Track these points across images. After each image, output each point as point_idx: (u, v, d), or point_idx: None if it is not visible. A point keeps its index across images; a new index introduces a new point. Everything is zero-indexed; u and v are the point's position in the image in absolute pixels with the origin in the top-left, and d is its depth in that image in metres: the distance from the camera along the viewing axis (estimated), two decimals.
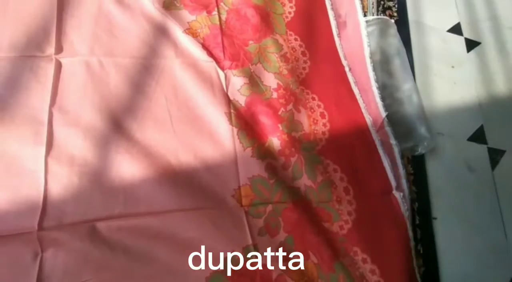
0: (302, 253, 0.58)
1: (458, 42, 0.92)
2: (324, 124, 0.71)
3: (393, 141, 0.72)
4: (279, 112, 0.68)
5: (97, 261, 0.51)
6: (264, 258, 0.56)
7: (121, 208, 0.54)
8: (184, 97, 0.65)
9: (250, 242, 0.57)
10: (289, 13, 0.81)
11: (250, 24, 0.75)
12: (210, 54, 0.69)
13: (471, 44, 0.92)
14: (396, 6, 0.91)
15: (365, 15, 0.84)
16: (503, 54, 0.93)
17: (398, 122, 0.75)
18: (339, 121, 0.71)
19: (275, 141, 0.66)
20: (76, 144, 0.56)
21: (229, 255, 0.55)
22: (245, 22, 0.75)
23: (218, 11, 0.74)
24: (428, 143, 0.75)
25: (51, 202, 0.52)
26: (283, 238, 0.59)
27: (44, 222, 0.51)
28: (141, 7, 0.69)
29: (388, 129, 0.72)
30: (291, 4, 0.82)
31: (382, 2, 0.90)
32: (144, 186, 0.56)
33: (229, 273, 0.54)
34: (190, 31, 0.70)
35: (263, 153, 0.64)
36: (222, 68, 0.69)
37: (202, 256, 0.54)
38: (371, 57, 0.78)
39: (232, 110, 0.66)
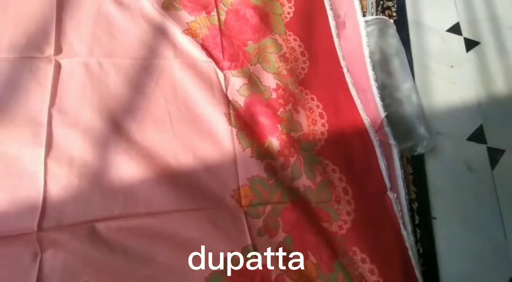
0: (301, 253, 0.58)
1: (457, 42, 0.92)
2: (323, 125, 0.71)
3: (392, 141, 0.72)
4: (278, 113, 0.68)
5: (96, 262, 0.51)
6: (263, 258, 0.56)
7: (120, 209, 0.54)
8: (183, 98, 0.65)
9: (249, 242, 0.57)
10: (288, 13, 0.81)
11: (249, 25, 0.75)
12: (209, 54, 0.69)
13: (470, 44, 0.93)
14: (395, 6, 0.91)
15: (364, 15, 0.84)
16: (503, 54, 0.93)
17: (398, 122, 0.76)
18: (337, 122, 0.72)
19: (274, 141, 0.66)
20: (76, 145, 0.56)
21: (229, 255, 0.55)
22: (244, 22, 0.75)
23: (217, 12, 0.74)
24: (427, 142, 0.75)
25: (51, 202, 0.52)
26: (282, 238, 0.59)
27: (44, 223, 0.51)
28: (140, 8, 0.69)
29: (387, 129, 0.73)
30: (290, 5, 0.82)
31: (381, 2, 0.90)
32: (144, 187, 0.56)
33: (228, 273, 0.54)
34: (189, 32, 0.70)
35: (262, 153, 0.64)
36: (221, 69, 0.69)
37: (202, 256, 0.54)
38: (370, 57, 0.79)
39: (231, 111, 0.66)
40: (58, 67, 0.60)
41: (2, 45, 0.58)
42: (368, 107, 0.75)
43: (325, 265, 0.58)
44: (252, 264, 0.55)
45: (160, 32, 0.69)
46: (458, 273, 0.68)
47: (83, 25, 0.64)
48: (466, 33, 0.94)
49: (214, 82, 0.68)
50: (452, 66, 0.89)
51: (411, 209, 0.70)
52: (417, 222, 0.70)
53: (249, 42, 0.73)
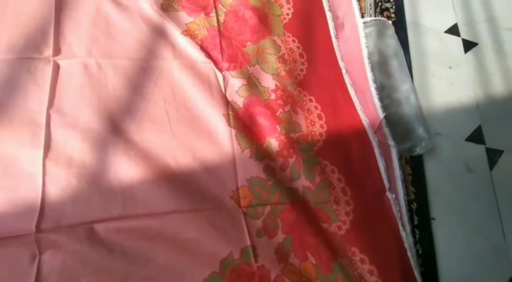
0: (300, 254, 0.58)
1: (456, 43, 0.92)
2: (321, 126, 0.71)
3: (391, 142, 0.72)
4: (277, 113, 0.69)
5: (95, 263, 0.50)
6: (262, 259, 0.56)
7: (119, 210, 0.54)
8: (182, 99, 0.65)
9: (248, 243, 0.57)
10: (287, 14, 0.81)
11: (248, 26, 0.75)
12: (208, 55, 0.69)
13: (468, 45, 0.93)
14: (394, 7, 0.91)
15: (362, 17, 0.85)
16: (501, 55, 0.93)
17: (396, 123, 0.76)
18: (336, 123, 0.72)
19: (273, 142, 0.66)
20: (74, 146, 0.56)
21: (228, 256, 0.55)
22: (243, 23, 0.75)
23: (216, 13, 0.74)
24: (426, 143, 0.75)
25: (49, 204, 0.52)
26: (281, 239, 0.59)
27: (42, 224, 0.51)
28: (139, 9, 0.69)
29: (386, 130, 0.73)
30: (289, 6, 0.82)
31: (379, 4, 0.90)
32: (143, 188, 0.56)
33: (227, 274, 0.54)
34: (188, 33, 0.70)
35: (261, 154, 0.64)
36: (220, 70, 0.69)
37: (201, 257, 0.54)
38: (369, 58, 0.79)
39: (230, 112, 0.66)
40: (56, 68, 0.60)
41: (1, 46, 0.58)
42: (367, 108, 0.75)
43: (324, 265, 0.58)
44: (251, 265, 0.55)
45: (159, 33, 0.69)
46: (457, 274, 0.68)
47: (81, 26, 0.64)
48: (464, 34, 0.94)
49: (213, 83, 0.68)
50: (450, 67, 0.89)
51: (410, 210, 0.70)
52: (416, 222, 0.70)
53: (248, 43, 0.74)
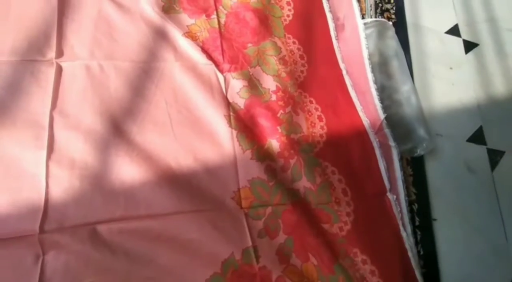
0: (302, 255, 0.59)
1: (456, 43, 0.93)
2: (322, 127, 0.71)
3: (391, 143, 0.73)
4: (278, 115, 0.69)
5: (98, 264, 0.51)
6: (264, 260, 0.57)
7: (121, 211, 0.55)
8: (183, 100, 0.65)
9: (250, 244, 0.57)
10: (288, 16, 0.81)
11: (249, 27, 0.75)
12: (210, 57, 0.70)
13: (469, 46, 0.93)
14: (394, 8, 0.91)
15: (363, 18, 0.85)
16: (501, 56, 0.93)
17: (397, 124, 0.76)
18: (336, 124, 0.72)
19: (274, 143, 0.66)
20: (77, 147, 0.56)
21: (229, 257, 0.55)
22: (244, 25, 0.75)
23: (217, 15, 0.75)
24: (427, 144, 0.75)
25: (52, 205, 0.53)
26: (282, 240, 0.59)
27: (46, 225, 0.51)
28: (140, 11, 0.70)
29: (387, 131, 0.73)
30: (289, 7, 0.82)
31: (380, 5, 0.90)
32: (145, 189, 0.57)
33: (228, 275, 0.54)
34: (190, 35, 0.71)
35: (262, 155, 0.65)
36: (221, 71, 0.69)
37: (202, 258, 0.54)
38: (369, 59, 0.79)
39: (231, 113, 0.66)
40: (59, 70, 0.61)
41: (5, 49, 0.59)
42: (368, 109, 0.75)
43: (325, 267, 0.58)
44: (252, 266, 0.55)
45: (160, 35, 0.69)
46: (458, 274, 0.68)
47: (84, 29, 0.65)
48: (465, 35, 0.94)
49: (214, 84, 0.68)
50: (451, 68, 0.89)
51: (411, 210, 0.71)
52: (417, 223, 0.70)
53: (249, 44, 0.74)
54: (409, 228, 0.67)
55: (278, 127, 0.67)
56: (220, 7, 0.76)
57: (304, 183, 0.64)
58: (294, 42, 0.78)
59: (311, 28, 0.81)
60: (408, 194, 0.71)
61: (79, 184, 0.55)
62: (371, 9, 0.89)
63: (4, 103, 0.56)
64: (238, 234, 0.57)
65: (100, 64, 0.63)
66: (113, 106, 0.61)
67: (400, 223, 0.65)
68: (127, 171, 0.57)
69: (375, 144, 0.71)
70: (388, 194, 0.68)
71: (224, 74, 0.69)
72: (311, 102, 0.73)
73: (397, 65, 0.82)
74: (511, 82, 0.90)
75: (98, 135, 0.58)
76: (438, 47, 0.90)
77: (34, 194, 0.53)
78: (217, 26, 0.73)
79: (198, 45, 0.70)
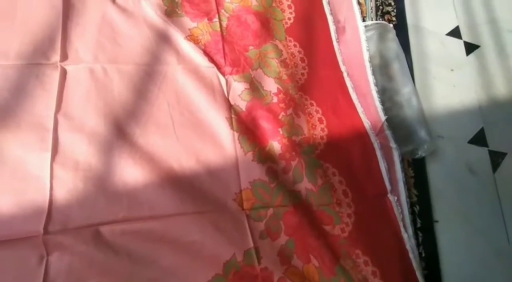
0: (303, 257, 0.59)
1: (457, 45, 0.93)
2: (322, 129, 0.71)
3: (393, 144, 0.73)
4: (279, 117, 0.69)
5: (101, 265, 0.51)
6: (265, 261, 0.57)
7: (124, 212, 0.55)
8: (186, 103, 0.66)
9: (251, 245, 0.57)
10: (289, 19, 0.82)
11: (251, 30, 0.76)
12: (212, 60, 0.70)
13: (470, 47, 0.93)
14: (395, 10, 0.92)
15: (364, 20, 0.85)
16: (503, 57, 0.93)
17: (398, 126, 0.76)
18: (337, 126, 0.72)
19: (276, 145, 0.67)
20: (81, 149, 0.57)
21: (231, 259, 0.55)
22: (246, 28, 0.76)
23: (219, 18, 0.75)
24: (428, 146, 0.75)
25: (56, 206, 0.53)
26: (284, 242, 0.59)
27: (50, 226, 0.52)
28: (143, 15, 0.71)
29: (387, 133, 0.73)
30: (290, 10, 0.83)
31: (381, 7, 0.91)
32: (147, 190, 0.57)
33: (230, 276, 0.54)
34: (192, 38, 0.72)
35: (264, 157, 0.65)
36: (223, 74, 0.70)
37: (204, 259, 0.55)
38: (370, 62, 0.79)
39: (233, 115, 0.67)
40: (63, 73, 0.61)
41: (10, 53, 0.60)
42: (369, 111, 0.76)
43: (327, 268, 0.58)
44: (253, 268, 0.56)
45: (163, 39, 0.70)
46: (460, 276, 0.67)
47: (88, 32, 0.66)
48: (466, 36, 0.94)
49: (216, 87, 0.69)
50: (452, 70, 0.89)
51: (413, 212, 0.71)
52: (419, 225, 0.70)
53: (250, 47, 0.75)
54: (410, 229, 0.67)
55: (280, 130, 0.68)
56: (222, 11, 0.77)
57: (305, 185, 0.65)
58: (295, 45, 0.79)
59: (312, 31, 0.82)
60: (409, 196, 0.71)
61: (82, 185, 0.55)
62: (371, 12, 0.89)
63: (9, 106, 0.57)
64: (240, 235, 0.58)
65: (104, 68, 0.64)
66: (117, 108, 0.62)
67: (401, 224, 0.66)
68: (130, 172, 0.58)
69: (376, 145, 0.72)
70: (389, 195, 0.68)
71: (226, 76, 0.70)
72: (311, 104, 0.74)
73: (398, 67, 0.82)
74: None
75: (101, 138, 0.59)
76: (439, 49, 0.91)
77: (38, 195, 0.53)
78: (219, 29, 0.74)
79: (200, 48, 0.71)
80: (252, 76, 0.72)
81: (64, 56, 0.63)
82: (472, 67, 0.91)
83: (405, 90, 0.80)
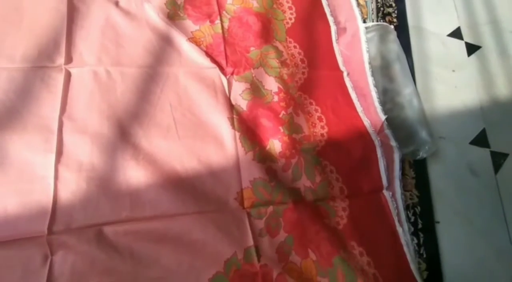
0: (301, 252, 0.60)
1: (459, 46, 0.93)
2: (322, 127, 0.72)
3: (393, 143, 0.73)
4: (280, 115, 0.70)
5: (104, 264, 0.52)
6: (265, 259, 0.57)
7: (127, 212, 0.56)
8: (188, 104, 0.67)
9: (251, 243, 0.58)
10: (290, 19, 0.82)
11: (252, 31, 0.77)
12: (214, 60, 0.71)
13: (471, 48, 0.93)
14: (396, 12, 0.92)
15: (364, 22, 0.86)
16: (504, 58, 0.93)
17: (399, 127, 0.76)
18: (336, 125, 0.73)
19: (276, 143, 0.67)
20: (85, 151, 0.58)
21: (232, 257, 0.56)
22: (247, 29, 0.77)
23: (221, 20, 0.76)
24: (429, 146, 0.75)
25: (60, 206, 0.54)
26: (283, 238, 0.60)
27: (54, 226, 0.53)
28: (146, 18, 0.72)
29: (388, 132, 0.73)
30: (291, 11, 0.84)
31: (382, 9, 0.91)
32: (150, 191, 0.58)
33: (231, 274, 0.55)
34: (194, 40, 0.72)
35: (264, 156, 0.66)
36: (225, 75, 0.71)
37: (206, 257, 0.55)
38: (370, 63, 0.80)
39: (234, 115, 0.67)
40: (68, 76, 0.63)
41: (16, 56, 0.61)
42: (368, 111, 0.76)
43: (324, 260, 0.59)
44: (254, 265, 0.56)
45: (165, 41, 0.71)
46: (461, 277, 0.67)
47: (92, 36, 0.67)
48: (467, 37, 0.94)
49: (218, 87, 0.69)
50: (453, 71, 0.89)
51: (414, 213, 0.71)
52: (420, 226, 0.70)
53: (252, 48, 0.75)
54: (405, 225, 0.68)
55: (280, 128, 0.68)
56: (224, 12, 0.77)
57: (304, 182, 0.65)
58: (295, 46, 0.79)
59: (312, 31, 0.82)
60: (410, 197, 0.71)
61: (86, 186, 0.56)
62: (372, 13, 0.89)
63: (15, 108, 0.58)
64: (241, 233, 0.58)
65: (107, 70, 0.65)
66: (120, 110, 0.62)
67: (395, 218, 0.66)
68: (133, 173, 0.58)
69: (377, 143, 0.72)
70: (385, 191, 0.69)
71: (227, 77, 0.71)
72: (311, 103, 0.74)
73: (399, 68, 0.82)
74: None
75: (105, 139, 0.59)
76: (440, 50, 0.91)
77: (43, 196, 0.54)
78: (220, 31, 0.75)
79: (202, 49, 0.72)
80: (253, 75, 0.73)
81: (69, 59, 0.64)
82: (473, 68, 0.90)
83: (406, 91, 0.81)
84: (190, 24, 0.74)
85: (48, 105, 0.59)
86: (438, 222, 0.72)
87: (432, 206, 0.73)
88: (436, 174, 0.76)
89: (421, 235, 0.69)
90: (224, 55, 0.73)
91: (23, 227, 0.52)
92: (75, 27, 0.67)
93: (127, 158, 0.59)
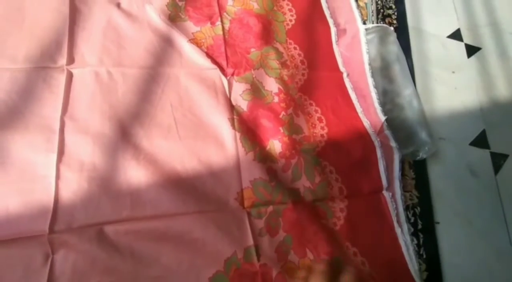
0: (300, 252, 0.60)
1: (458, 48, 0.93)
2: (322, 128, 0.72)
3: (393, 144, 0.73)
4: (280, 116, 0.70)
5: (104, 264, 0.52)
6: (264, 258, 0.58)
7: (128, 212, 0.56)
8: (188, 105, 0.67)
9: (251, 242, 0.58)
10: (290, 21, 0.83)
11: (253, 32, 0.77)
12: (214, 61, 0.72)
13: (471, 50, 0.93)
14: (396, 13, 0.92)
15: (364, 23, 0.86)
16: (504, 59, 0.93)
17: (399, 128, 0.76)
18: (336, 125, 0.73)
19: (277, 143, 0.68)
20: (86, 151, 0.58)
21: (232, 256, 0.56)
22: (248, 30, 0.77)
23: (222, 21, 0.77)
24: (429, 147, 0.75)
25: (62, 206, 0.54)
26: (282, 238, 0.60)
27: (55, 225, 0.53)
28: (148, 20, 0.72)
29: (387, 132, 0.74)
30: (291, 13, 0.84)
31: (381, 10, 0.92)
32: (150, 191, 0.58)
33: (231, 273, 0.55)
34: (194, 42, 0.73)
35: (264, 156, 0.66)
36: (225, 75, 0.71)
37: (206, 257, 0.56)
38: (370, 64, 0.80)
39: (235, 116, 0.68)
40: (70, 76, 0.63)
41: (18, 57, 0.62)
42: (368, 111, 0.76)
43: (321, 260, 0.59)
44: (253, 264, 0.57)
45: (166, 42, 0.71)
46: (461, 278, 0.67)
47: (93, 37, 0.67)
48: (467, 39, 0.94)
49: (219, 88, 0.70)
50: (453, 72, 0.89)
51: (413, 214, 0.71)
52: (419, 226, 0.70)
53: (252, 49, 0.76)
54: (405, 226, 0.68)
55: (280, 128, 0.69)
56: (225, 13, 0.78)
57: (303, 182, 0.65)
58: (295, 48, 0.80)
59: (312, 33, 0.83)
60: (410, 197, 0.71)
61: (87, 185, 0.56)
62: (372, 15, 0.90)
63: (18, 109, 0.58)
64: (241, 233, 0.58)
65: (109, 71, 0.65)
66: (121, 110, 0.63)
67: (394, 219, 0.66)
68: (134, 173, 0.59)
69: (377, 143, 0.73)
70: (384, 191, 0.69)
71: (228, 78, 0.71)
72: (311, 104, 0.75)
73: (398, 69, 0.83)
74: None
75: (106, 139, 0.60)
76: (440, 51, 0.91)
77: (44, 195, 0.54)
78: (221, 32, 0.75)
79: (202, 51, 0.72)
80: (254, 76, 0.73)
81: (71, 60, 0.64)
82: (473, 69, 0.91)
83: (406, 93, 0.81)
84: (191, 26, 0.75)
85: (50, 106, 0.60)
86: (438, 223, 0.72)
87: (432, 206, 0.73)
88: (436, 174, 0.76)
89: (421, 235, 0.69)
90: (224, 56, 0.73)
91: (24, 226, 0.52)
92: (77, 28, 0.67)
93: (128, 157, 0.60)
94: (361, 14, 0.86)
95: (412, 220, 0.70)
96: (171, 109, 0.65)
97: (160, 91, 0.67)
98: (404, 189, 0.72)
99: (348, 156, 0.71)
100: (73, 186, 0.56)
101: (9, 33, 0.63)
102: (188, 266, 0.54)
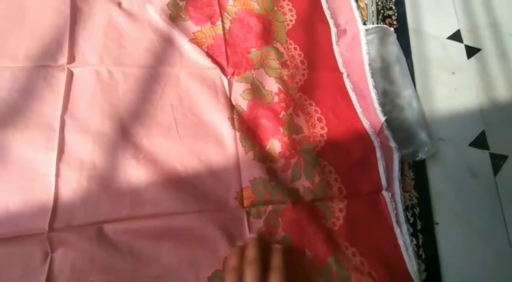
0: (298, 251, 0.60)
1: (458, 49, 0.93)
2: (322, 128, 0.72)
3: (392, 144, 0.73)
4: (280, 116, 0.70)
5: (103, 262, 0.52)
6: None
7: (128, 210, 0.56)
8: (189, 104, 0.67)
9: None
10: (290, 21, 0.83)
11: (253, 32, 0.77)
12: (215, 61, 0.72)
13: (471, 51, 0.93)
14: (396, 14, 0.93)
15: (365, 24, 0.86)
16: (504, 60, 0.93)
17: (399, 128, 0.77)
18: (336, 125, 0.73)
19: (276, 143, 0.68)
20: (86, 149, 0.59)
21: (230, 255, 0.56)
22: (248, 30, 0.78)
23: (222, 21, 0.77)
24: (429, 148, 0.76)
25: (61, 204, 0.55)
26: (280, 237, 0.60)
27: (55, 224, 0.53)
28: (149, 19, 0.72)
29: (387, 133, 0.74)
30: (292, 13, 0.84)
31: (382, 11, 0.92)
32: (150, 190, 0.58)
33: None
34: (195, 41, 0.73)
35: (264, 156, 0.66)
36: (226, 75, 0.71)
37: (205, 256, 0.56)
38: (370, 65, 0.80)
39: (235, 115, 0.68)
40: (70, 75, 0.63)
41: (19, 55, 0.62)
42: (368, 112, 0.76)
43: (320, 260, 0.59)
44: None
45: (167, 42, 0.71)
46: (461, 279, 0.67)
47: (94, 36, 0.68)
48: (467, 40, 0.95)
49: (219, 88, 0.70)
50: (453, 73, 0.90)
51: (413, 214, 0.71)
52: (419, 227, 0.70)
53: (253, 49, 0.76)
54: (405, 226, 0.67)
55: (280, 128, 0.69)
56: (225, 13, 0.78)
57: (303, 182, 0.65)
58: (295, 48, 0.80)
59: (312, 33, 0.83)
60: (410, 198, 0.71)
61: (87, 184, 0.56)
62: (373, 16, 0.90)
63: (18, 107, 0.59)
64: (239, 232, 0.58)
65: (110, 70, 0.65)
66: (121, 110, 0.63)
67: (394, 219, 0.66)
68: (134, 172, 0.59)
69: (376, 143, 0.72)
70: (384, 192, 0.69)
71: (228, 77, 0.71)
72: (310, 104, 0.75)
73: (398, 70, 0.83)
74: None
75: (106, 138, 0.60)
76: (440, 52, 0.91)
77: (44, 194, 0.55)
78: (221, 32, 0.76)
79: (203, 50, 0.72)
80: (254, 76, 0.73)
81: (71, 59, 0.64)
82: (473, 70, 0.91)
83: (406, 93, 0.81)
84: (191, 25, 0.75)
85: (50, 104, 0.60)
86: (437, 223, 0.72)
87: (431, 207, 0.73)
88: (435, 175, 0.76)
89: (420, 236, 0.69)
90: (225, 56, 0.73)
91: (24, 224, 0.52)
92: (77, 27, 0.67)
93: (128, 157, 0.60)
94: (362, 15, 0.86)
95: (412, 220, 0.71)
96: (171, 109, 0.66)
97: (160, 90, 0.67)
98: (403, 189, 0.72)
99: (347, 156, 0.71)
100: (72, 185, 0.56)
101: (10, 33, 0.63)
102: (187, 265, 0.55)
